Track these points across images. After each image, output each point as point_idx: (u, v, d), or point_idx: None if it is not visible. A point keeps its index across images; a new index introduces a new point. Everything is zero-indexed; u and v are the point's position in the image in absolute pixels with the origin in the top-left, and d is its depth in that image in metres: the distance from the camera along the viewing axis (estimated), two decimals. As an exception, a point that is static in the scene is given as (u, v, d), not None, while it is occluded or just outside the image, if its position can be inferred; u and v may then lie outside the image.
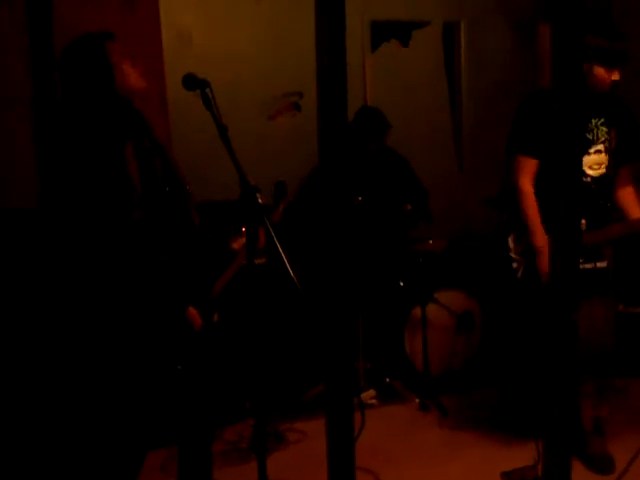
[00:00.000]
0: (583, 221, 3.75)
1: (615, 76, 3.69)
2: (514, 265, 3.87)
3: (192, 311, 2.99)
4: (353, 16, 5.33)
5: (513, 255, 3.88)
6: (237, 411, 4.28)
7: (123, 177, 2.75)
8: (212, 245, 3.17)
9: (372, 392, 4.76)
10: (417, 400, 4.74)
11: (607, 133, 3.85)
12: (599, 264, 3.82)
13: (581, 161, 3.67)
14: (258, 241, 2.67)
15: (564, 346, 1.67)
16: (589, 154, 3.80)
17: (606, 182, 3.85)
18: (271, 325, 4.34)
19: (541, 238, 3.71)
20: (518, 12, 6.06)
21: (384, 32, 5.81)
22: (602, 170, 3.83)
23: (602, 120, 3.84)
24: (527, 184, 3.77)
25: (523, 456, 3.28)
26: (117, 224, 2.74)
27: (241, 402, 4.31)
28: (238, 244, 3.16)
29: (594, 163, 3.81)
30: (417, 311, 4.86)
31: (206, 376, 3.08)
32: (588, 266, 3.79)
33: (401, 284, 5.08)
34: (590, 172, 3.81)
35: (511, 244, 3.89)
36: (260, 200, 2.50)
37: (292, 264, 2.43)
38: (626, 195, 3.93)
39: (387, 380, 4.91)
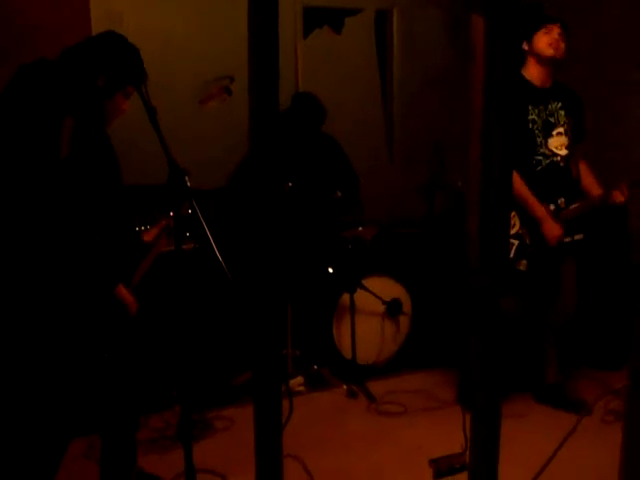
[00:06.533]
0: (562, 199, 4.23)
1: None
2: None
3: (123, 291, 2.94)
4: (285, 1, 5.30)
5: None
6: (164, 398, 4.23)
7: (51, 147, 2.69)
8: (129, 238, 3.13)
9: (300, 379, 4.76)
10: (345, 387, 4.76)
11: (565, 116, 4.25)
12: (576, 237, 4.28)
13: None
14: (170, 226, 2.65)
15: (489, 332, 1.68)
16: (552, 136, 4.20)
17: (570, 161, 4.26)
18: (199, 311, 4.30)
19: (540, 208, 4.14)
20: (450, 1, 6.09)
21: (317, 18, 5.79)
22: (565, 150, 4.23)
23: (560, 104, 4.25)
24: None
25: (451, 443, 3.30)
26: (41, 199, 2.67)
27: (168, 389, 4.26)
28: (150, 236, 3.12)
29: (558, 144, 4.21)
30: (346, 298, 4.87)
31: (131, 362, 3.04)
32: (567, 240, 4.24)
33: (330, 271, 5.08)
34: (558, 151, 4.20)
35: None
36: (189, 183, 2.47)
37: (222, 250, 2.41)
38: (582, 172, 4.34)
39: (315, 367, 4.91)
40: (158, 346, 3.85)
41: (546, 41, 4.13)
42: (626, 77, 5.07)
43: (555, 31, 4.14)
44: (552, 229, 4.13)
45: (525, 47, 4.21)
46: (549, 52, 4.13)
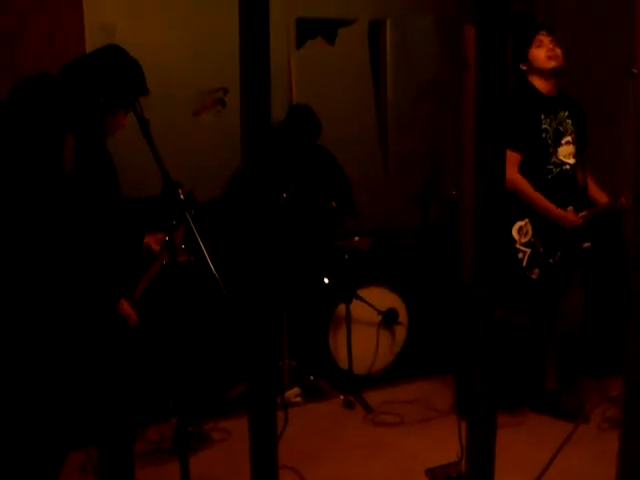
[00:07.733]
0: (571, 207, 4.19)
1: None
2: (519, 255, 4.12)
3: (126, 306, 2.94)
4: (278, 13, 5.32)
5: (518, 246, 4.13)
6: (161, 410, 4.22)
7: (55, 163, 2.69)
8: (136, 246, 3.13)
9: (296, 390, 4.74)
10: (341, 397, 4.75)
11: (572, 125, 4.23)
12: (585, 245, 4.27)
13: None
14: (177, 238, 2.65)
15: (485, 341, 1.68)
16: (561, 145, 4.17)
17: (577, 169, 4.24)
18: (194, 323, 4.29)
19: (555, 209, 4.13)
20: (444, 12, 6.11)
21: (310, 29, 5.80)
22: (573, 159, 4.21)
23: (567, 113, 4.22)
24: (516, 173, 4.07)
25: (447, 453, 3.31)
26: (47, 215, 2.67)
27: (165, 401, 4.25)
28: (157, 244, 3.13)
29: (567, 153, 4.18)
30: (341, 308, 4.87)
31: (129, 374, 3.03)
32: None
33: (326, 281, 5.08)
34: (567, 160, 4.18)
35: (516, 236, 4.12)
36: (182, 196, 2.47)
37: (217, 261, 2.41)
38: (588, 181, 4.32)
39: (311, 378, 4.90)
40: (155, 358, 3.84)
41: (543, 55, 4.10)
42: (618, 83, 5.08)
43: (546, 40, 4.11)
44: (573, 219, 4.13)
45: (524, 68, 4.18)
46: (551, 64, 4.10)
